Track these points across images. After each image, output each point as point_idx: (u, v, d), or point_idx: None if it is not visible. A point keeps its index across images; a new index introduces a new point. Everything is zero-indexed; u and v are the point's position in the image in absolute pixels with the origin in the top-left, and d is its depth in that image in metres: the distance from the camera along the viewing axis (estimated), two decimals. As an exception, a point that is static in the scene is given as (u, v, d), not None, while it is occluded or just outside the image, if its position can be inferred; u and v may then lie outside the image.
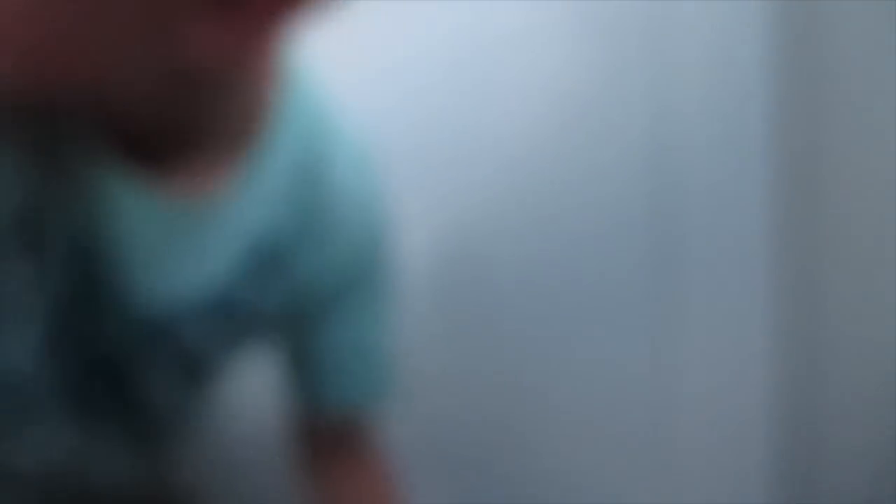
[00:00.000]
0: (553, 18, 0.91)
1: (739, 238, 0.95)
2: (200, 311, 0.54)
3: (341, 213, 0.58)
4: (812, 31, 0.93)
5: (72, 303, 0.51)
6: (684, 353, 0.96)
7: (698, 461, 0.96)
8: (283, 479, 0.72)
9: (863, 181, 0.91)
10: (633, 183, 0.94)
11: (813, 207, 0.94)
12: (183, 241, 0.52)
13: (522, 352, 0.94)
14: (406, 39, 0.87)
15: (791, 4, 0.93)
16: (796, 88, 0.94)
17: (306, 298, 0.59)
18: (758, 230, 0.95)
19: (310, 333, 0.62)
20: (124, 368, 0.54)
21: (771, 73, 0.93)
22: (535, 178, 0.92)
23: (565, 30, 0.92)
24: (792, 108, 0.94)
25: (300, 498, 0.68)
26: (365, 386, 0.64)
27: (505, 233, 0.93)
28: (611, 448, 0.95)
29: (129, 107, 0.47)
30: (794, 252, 0.95)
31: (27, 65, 0.41)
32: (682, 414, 0.96)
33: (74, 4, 0.39)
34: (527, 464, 0.94)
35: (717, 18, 0.93)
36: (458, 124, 0.90)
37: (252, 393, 0.75)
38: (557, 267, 0.94)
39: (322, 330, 0.61)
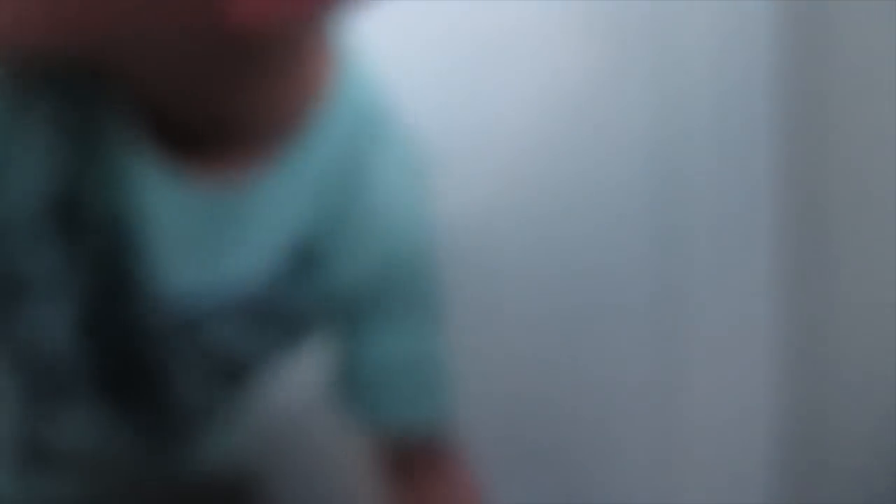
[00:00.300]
0: (558, 15, 0.91)
1: (744, 235, 0.95)
2: (229, 306, 0.53)
3: (382, 216, 0.55)
4: (817, 26, 0.92)
5: (103, 288, 0.51)
6: (688, 352, 0.96)
7: (701, 461, 0.96)
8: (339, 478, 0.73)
9: (868, 177, 0.90)
10: (636, 180, 0.94)
11: (818, 207, 0.94)
12: (212, 231, 0.50)
13: (525, 350, 0.94)
14: (406, 37, 0.86)
15: (796, 3, 0.93)
16: (801, 84, 0.94)
17: (344, 304, 0.57)
18: (762, 228, 0.95)
19: (357, 346, 0.59)
20: (153, 360, 0.54)
21: (775, 70, 0.93)
22: (538, 175, 0.92)
23: (570, 26, 0.91)
24: (796, 105, 0.94)
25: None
26: (421, 402, 0.62)
27: (509, 229, 0.93)
28: (614, 446, 0.95)
29: (168, 77, 0.46)
30: (800, 251, 0.95)
31: (58, 20, 0.42)
32: (686, 411, 0.96)
33: None
34: (527, 457, 0.94)
35: (720, 14, 0.93)
36: (462, 121, 0.89)
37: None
38: (560, 264, 0.93)
39: (369, 342, 0.59)
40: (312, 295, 0.55)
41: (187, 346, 0.53)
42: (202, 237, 0.50)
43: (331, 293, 0.55)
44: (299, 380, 0.68)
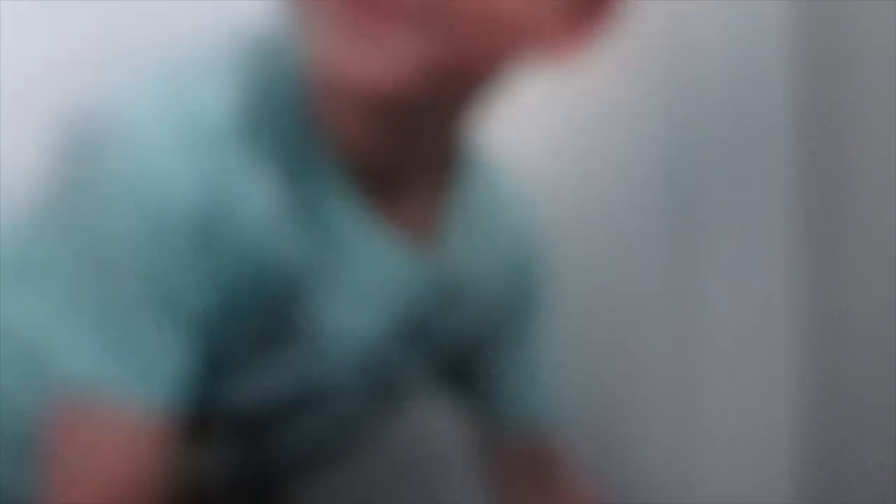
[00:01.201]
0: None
1: (761, 226, 0.94)
2: (395, 334, 0.57)
3: (512, 247, 0.63)
4: (833, 24, 0.92)
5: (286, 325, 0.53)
6: (705, 361, 0.95)
7: (719, 469, 0.95)
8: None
9: (885, 172, 0.90)
10: (652, 181, 0.93)
11: (836, 204, 0.94)
12: (394, 276, 0.55)
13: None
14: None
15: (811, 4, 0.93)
16: (817, 88, 0.94)
17: (484, 326, 0.63)
18: (779, 223, 0.95)
19: (489, 358, 0.65)
20: (324, 387, 0.57)
21: (792, 66, 0.93)
22: (551, 177, 0.91)
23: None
24: (814, 108, 0.94)
25: None
26: (544, 397, 0.68)
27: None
28: (630, 453, 0.94)
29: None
30: (818, 245, 0.94)
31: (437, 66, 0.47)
32: (703, 420, 0.96)
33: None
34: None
35: (736, 10, 0.92)
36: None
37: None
38: (574, 265, 0.92)
39: (500, 353, 0.65)
40: (459, 319, 0.61)
41: (352, 375, 0.57)
42: (389, 282, 0.55)
43: (471, 316, 0.62)
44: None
